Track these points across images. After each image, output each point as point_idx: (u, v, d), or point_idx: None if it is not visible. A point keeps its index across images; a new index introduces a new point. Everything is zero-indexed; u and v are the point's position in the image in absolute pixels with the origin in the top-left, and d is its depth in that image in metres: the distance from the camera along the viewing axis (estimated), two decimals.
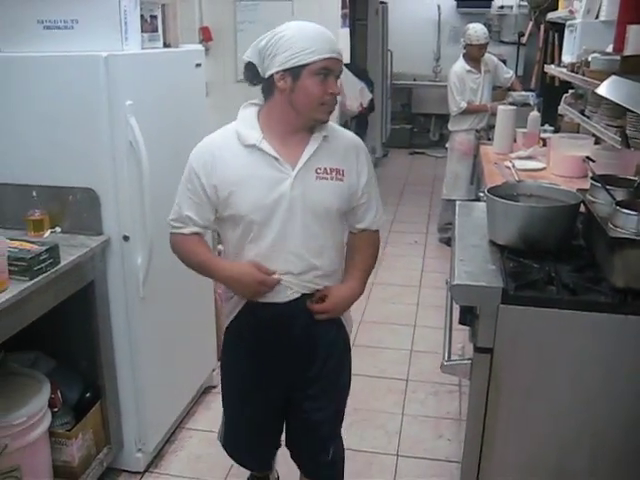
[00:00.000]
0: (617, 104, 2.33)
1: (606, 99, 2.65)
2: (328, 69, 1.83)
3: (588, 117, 3.35)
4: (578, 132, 4.08)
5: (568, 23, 4.06)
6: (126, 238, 2.46)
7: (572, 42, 3.84)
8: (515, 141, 4.30)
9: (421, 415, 3.18)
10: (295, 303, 1.99)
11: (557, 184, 2.50)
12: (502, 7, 9.04)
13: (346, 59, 5.69)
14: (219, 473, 2.76)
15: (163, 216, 2.51)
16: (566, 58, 3.98)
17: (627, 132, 2.81)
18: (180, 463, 2.84)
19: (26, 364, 2.49)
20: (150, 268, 2.53)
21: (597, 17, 3.57)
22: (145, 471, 2.76)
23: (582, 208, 2.13)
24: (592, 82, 2.86)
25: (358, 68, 7.09)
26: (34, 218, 2.40)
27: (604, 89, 2.41)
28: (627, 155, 2.97)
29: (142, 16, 2.50)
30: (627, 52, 2.58)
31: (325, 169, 1.92)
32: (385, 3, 8.64)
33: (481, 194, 3.71)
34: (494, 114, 4.64)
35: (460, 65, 5.33)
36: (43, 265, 2.10)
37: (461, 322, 2.03)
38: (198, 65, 2.90)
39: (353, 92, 6.32)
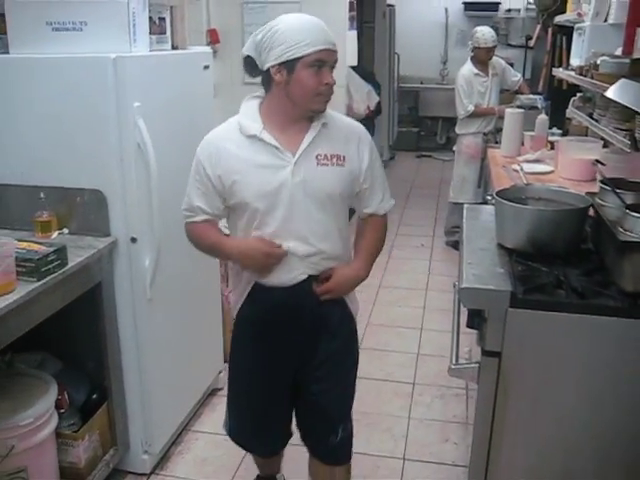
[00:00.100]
0: (626, 107, 2.33)
1: (615, 102, 2.64)
2: (322, 60, 1.88)
3: (596, 120, 3.34)
4: (586, 135, 4.07)
5: (576, 26, 4.04)
6: (134, 240, 2.46)
7: (580, 45, 3.82)
8: (523, 144, 4.29)
9: (427, 419, 3.17)
10: (302, 287, 2.03)
11: (566, 187, 2.49)
12: (509, 10, 9.05)
13: (353, 62, 5.71)
14: (225, 475, 2.76)
15: (171, 218, 2.52)
16: (574, 61, 3.96)
17: (636, 135, 2.79)
18: (186, 465, 2.84)
19: (33, 365, 2.49)
20: (157, 270, 2.53)
21: (606, 20, 3.55)
22: (151, 473, 2.76)
23: (591, 212, 2.12)
24: (601, 85, 2.85)
25: (365, 71, 7.08)
26: (42, 219, 2.40)
27: (613, 92, 2.40)
28: (636, 158, 2.95)
29: (150, 18, 2.50)
30: (636, 55, 2.56)
31: (325, 155, 1.98)
32: (392, 6, 8.64)
33: (489, 197, 3.70)
34: (502, 117, 4.63)
35: (468, 68, 5.32)
36: (51, 266, 2.10)
37: (469, 325, 2.02)
38: (206, 67, 2.90)
39: (360, 95, 6.31)
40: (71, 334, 2.53)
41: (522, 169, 3.53)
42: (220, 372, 3.35)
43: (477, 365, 1.97)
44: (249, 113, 2.00)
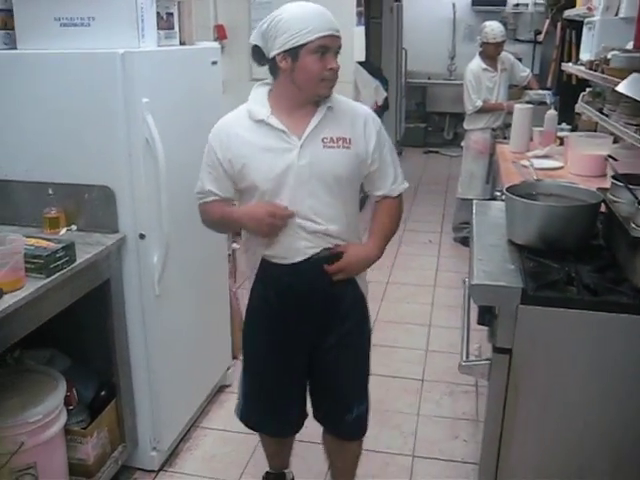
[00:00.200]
0: (637, 102, 2.31)
1: (625, 97, 2.61)
2: (325, 46, 1.93)
3: (607, 115, 3.31)
4: (595, 131, 4.04)
5: (586, 20, 4.02)
6: (142, 236, 2.45)
7: (590, 39, 3.79)
8: (531, 140, 4.27)
9: (436, 415, 3.16)
10: (312, 269, 2.06)
11: (576, 183, 2.47)
12: (517, 5, 8.99)
13: (361, 57, 5.68)
14: (234, 472, 2.76)
15: (179, 214, 2.51)
16: (584, 56, 3.93)
17: None
18: (195, 462, 2.83)
19: (42, 362, 2.49)
20: (166, 266, 2.52)
21: (616, 14, 3.52)
22: (160, 469, 2.76)
23: (603, 208, 2.10)
24: (612, 80, 2.82)
25: (373, 66, 7.05)
26: (50, 216, 2.40)
27: (624, 87, 2.38)
28: None
29: (158, 13, 2.49)
30: None
31: (332, 138, 2.02)
32: (400, 1, 8.60)
33: (497, 193, 3.69)
34: (510, 113, 4.61)
35: (476, 63, 5.29)
36: (59, 263, 2.10)
37: (480, 322, 2.01)
38: (214, 63, 2.88)
39: (368, 90, 6.29)
40: (80, 331, 2.53)
41: (532, 165, 3.51)
42: (228, 368, 3.34)
43: (488, 362, 1.96)
44: (258, 99, 2.06)
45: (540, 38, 8.01)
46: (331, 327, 2.17)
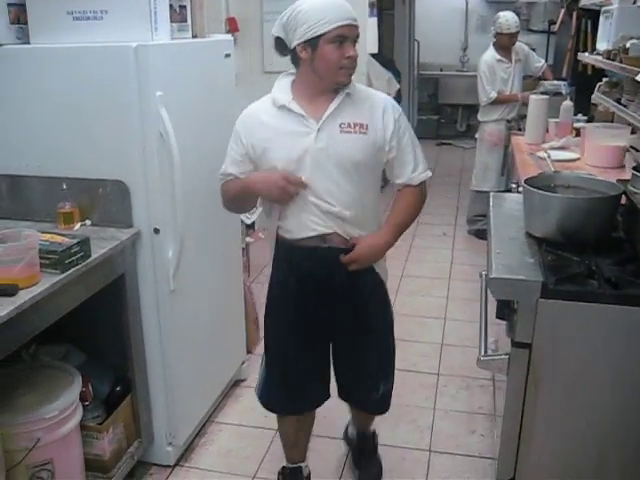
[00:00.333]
0: None
1: None
2: (343, 36, 1.99)
3: (625, 106, 3.26)
4: (612, 121, 3.99)
5: (603, 9, 3.95)
6: (157, 231, 2.44)
7: (608, 28, 3.73)
8: (547, 131, 4.22)
9: (453, 410, 3.14)
10: (329, 256, 2.12)
11: (595, 175, 2.44)
12: None
13: (373, 49, 5.66)
14: (250, 467, 2.74)
15: (194, 208, 2.49)
16: (601, 45, 3.87)
17: None
18: (210, 457, 2.83)
19: (57, 357, 2.49)
20: (181, 261, 2.51)
21: (635, 2, 3.47)
22: (175, 465, 2.75)
23: (623, 199, 2.07)
24: (631, 69, 2.78)
25: (385, 58, 7.03)
26: (64, 211, 2.39)
27: None
28: None
29: (171, 6, 2.46)
30: None
31: (349, 124, 2.07)
32: None
33: (513, 185, 3.65)
34: (525, 104, 4.56)
35: (490, 54, 5.24)
36: (74, 258, 2.09)
37: (498, 316, 1.98)
38: (227, 55, 2.86)
39: (380, 82, 6.26)
40: (95, 326, 2.52)
41: (549, 156, 3.47)
42: (243, 363, 3.34)
43: (506, 357, 1.93)
44: (282, 88, 2.15)
45: (554, 28, 7.93)
46: (352, 313, 2.23)
